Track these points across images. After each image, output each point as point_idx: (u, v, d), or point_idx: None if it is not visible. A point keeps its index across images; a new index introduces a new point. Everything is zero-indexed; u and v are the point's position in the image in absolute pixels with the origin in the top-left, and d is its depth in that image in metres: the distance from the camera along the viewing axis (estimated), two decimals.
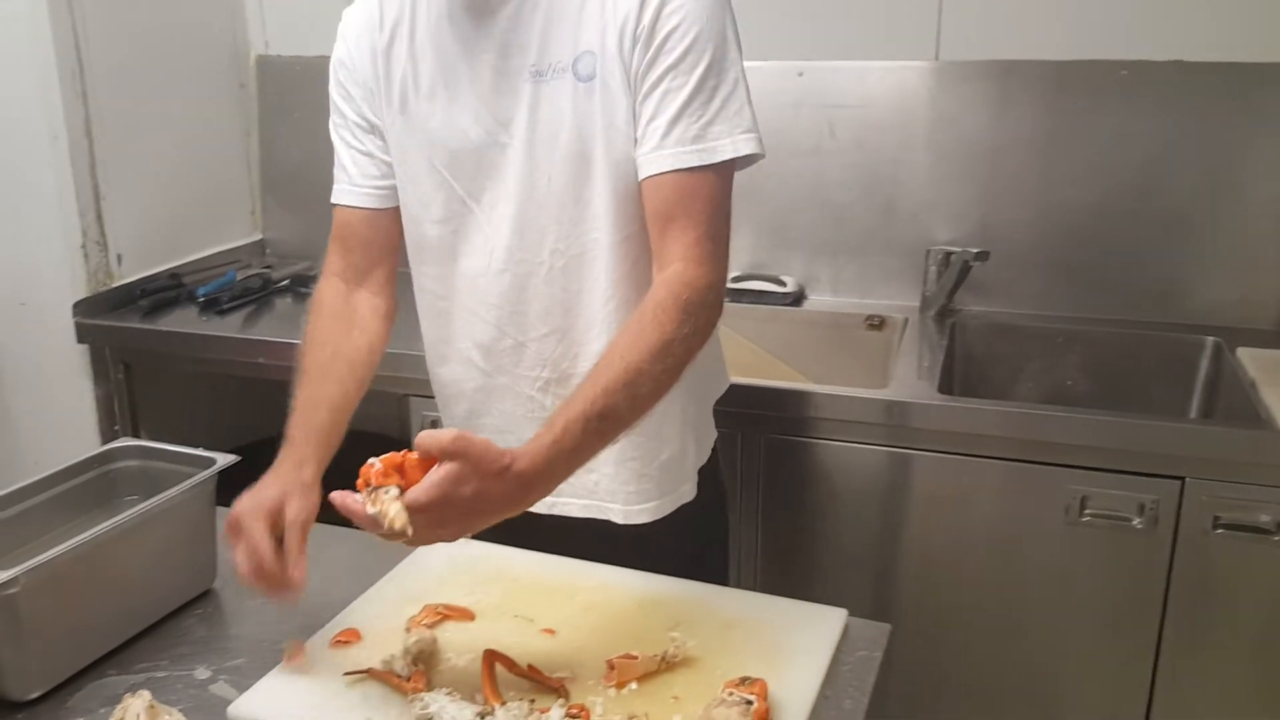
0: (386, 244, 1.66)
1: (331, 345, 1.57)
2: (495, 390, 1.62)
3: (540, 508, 1.62)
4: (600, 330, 1.54)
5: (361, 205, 1.63)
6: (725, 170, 1.45)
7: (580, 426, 1.24)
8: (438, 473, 1.13)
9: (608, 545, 1.57)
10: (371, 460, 1.15)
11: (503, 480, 1.16)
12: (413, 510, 1.11)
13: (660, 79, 1.42)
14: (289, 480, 1.36)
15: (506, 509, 1.19)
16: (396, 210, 1.64)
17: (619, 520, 1.62)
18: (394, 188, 1.63)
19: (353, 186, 1.63)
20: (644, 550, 1.57)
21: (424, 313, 1.68)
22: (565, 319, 1.56)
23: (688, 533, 1.68)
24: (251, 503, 1.31)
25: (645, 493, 1.62)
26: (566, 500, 1.63)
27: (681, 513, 1.66)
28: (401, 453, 1.16)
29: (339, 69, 1.62)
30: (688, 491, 1.67)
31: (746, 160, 1.46)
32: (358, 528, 1.14)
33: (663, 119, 1.42)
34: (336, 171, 1.66)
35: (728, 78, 1.44)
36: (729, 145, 1.43)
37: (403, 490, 1.12)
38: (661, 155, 1.42)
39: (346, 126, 1.63)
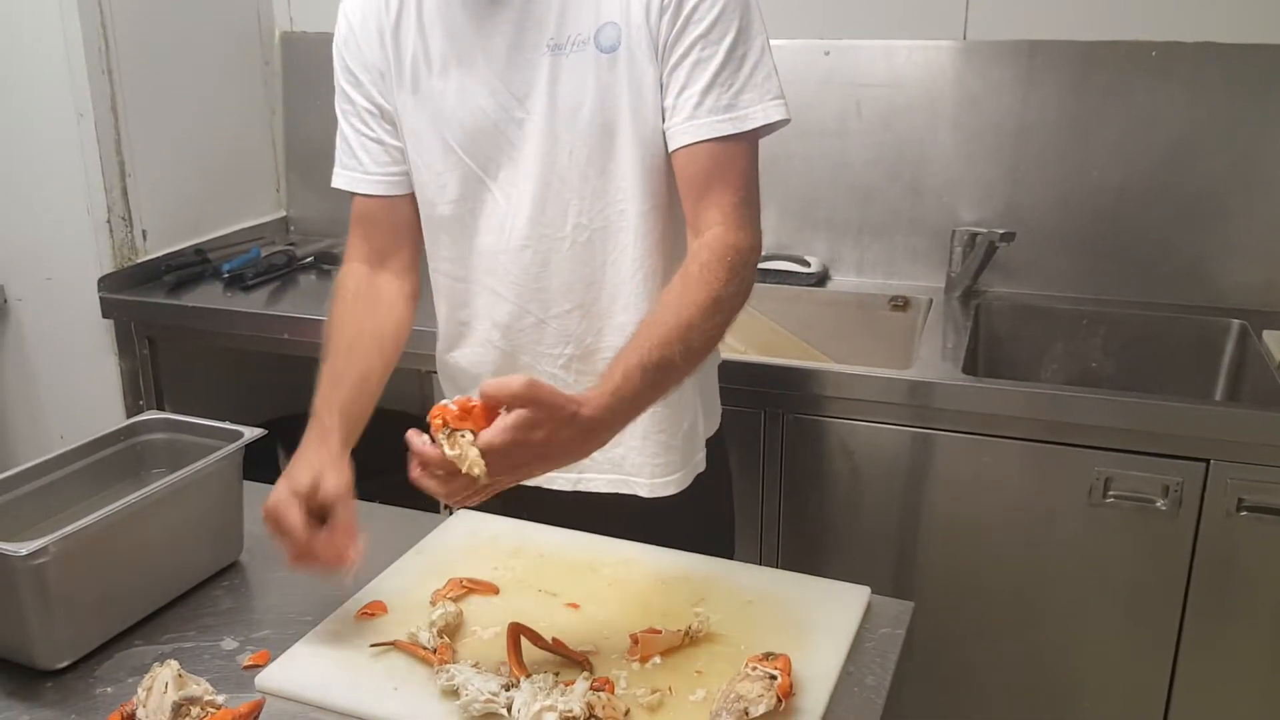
0: (408, 228, 1.65)
1: (356, 324, 1.56)
2: (517, 370, 1.61)
3: (565, 484, 1.64)
4: (626, 303, 1.54)
5: (377, 194, 1.62)
6: (755, 137, 1.47)
7: (638, 375, 1.25)
8: (510, 417, 1.14)
9: (624, 521, 1.58)
10: (443, 403, 1.16)
11: (572, 426, 1.17)
12: (486, 453, 1.12)
13: (690, 49, 1.42)
14: (316, 458, 1.35)
15: (572, 453, 1.21)
16: (413, 195, 1.63)
17: (645, 494, 1.63)
18: (407, 173, 1.62)
19: (366, 175, 1.62)
20: (659, 524, 1.58)
21: (441, 294, 1.67)
22: (588, 294, 1.56)
23: (700, 506, 1.68)
24: (284, 491, 1.31)
25: (671, 464, 1.63)
26: (592, 476, 1.64)
27: (694, 486, 1.66)
28: (468, 397, 1.17)
29: (344, 51, 1.59)
30: (701, 461, 1.68)
31: (774, 125, 1.47)
32: (385, 502, 1.14)
33: (694, 89, 1.43)
34: (343, 156, 1.64)
35: (755, 45, 1.45)
36: (760, 112, 1.44)
37: (475, 435, 1.13)
38: (695, 125, 1.43)
39: (356, 114, 1.61)
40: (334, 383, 1.47)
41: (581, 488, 1.64)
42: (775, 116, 1.45)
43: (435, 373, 1.77)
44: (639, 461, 1.62)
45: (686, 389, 1.63)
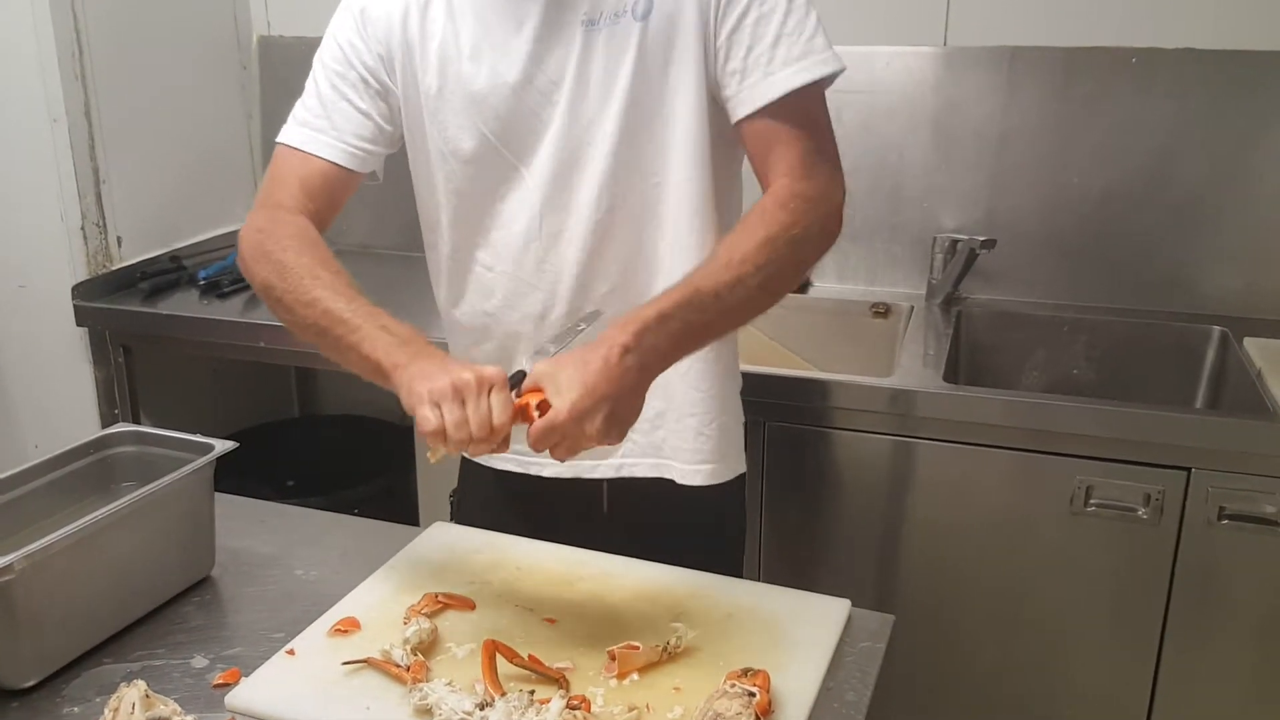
0: (341, 204, 1.58)
1: (341, 272, 1.44)
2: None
3: (608, 471, 1.63)
4: (664, 280, 1.48)
5: (343, 164, 1.54)
6: (822, 88, 1.45)
7: (678, 293, 1.28)
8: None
9: (648, 513, 1.59)
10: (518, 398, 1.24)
11: (603, 339, 1.22)
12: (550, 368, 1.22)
13: (747, 9, 1.41)
14: (437, 358, 1.29)
15: (627, 367, 1.22)
16: (362, 175, 1.57)
17: (679, 480, 1.61)
18: (378, 154, 1.57)
19: (339, 142, 1.53)
20: (689, 518, 1.60)
21: (470, 287, 1.60)
22: (624, 276, 1.53)
23: (721, 514, 1.69)
24: (470, 373, 1.22)
25: (701, 453, 1.61)
26: (634, 460, 1.62)
27: (714, 493, 1.64)
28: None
29: (361, 16, 1.53)
30: (740, 463, 1.68)
31: (835, 75, 1.45)
32: (363, 514, 1.11)
33: (763, 45, 1.41)
34: (309, 116, 1.55)
35: None
36: (832, 58, 1.43)
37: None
38: (771, 81, 1.41)
39: (348, 80, 1.54)
40: (354, 293, 1.39)
41: (624, 473, 1.63)
42: (838, 65, 1.44)
43: None
44: (676, 445, 1.61)
45: (728, 388, 1.63)
